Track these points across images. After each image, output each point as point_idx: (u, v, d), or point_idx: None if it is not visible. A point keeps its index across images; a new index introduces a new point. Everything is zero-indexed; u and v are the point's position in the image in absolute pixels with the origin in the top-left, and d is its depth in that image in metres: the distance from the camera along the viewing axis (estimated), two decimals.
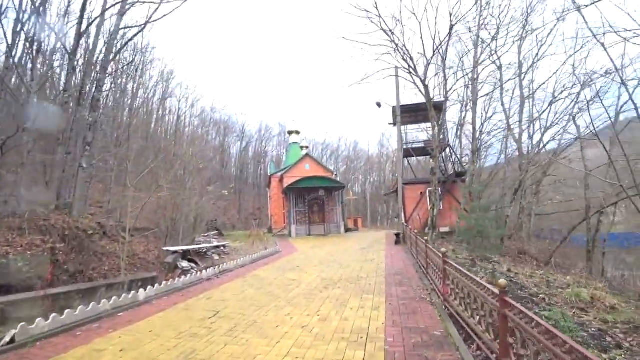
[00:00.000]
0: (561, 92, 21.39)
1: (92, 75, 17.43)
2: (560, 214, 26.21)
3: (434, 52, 16.09)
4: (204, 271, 10.27)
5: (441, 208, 19.23)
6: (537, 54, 22.75)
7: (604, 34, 10.95)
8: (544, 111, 22.78)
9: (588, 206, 16.84)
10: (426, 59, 16.13)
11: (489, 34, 20.91)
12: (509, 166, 27.13)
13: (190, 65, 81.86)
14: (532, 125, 23.64)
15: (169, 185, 18.47)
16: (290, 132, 40.88)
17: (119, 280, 9.08)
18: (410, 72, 16.23)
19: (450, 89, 18.05)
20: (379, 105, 18.64)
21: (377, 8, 15.55)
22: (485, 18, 20.15)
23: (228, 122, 63.75)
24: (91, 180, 21.97)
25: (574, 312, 5.30)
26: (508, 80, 23.65)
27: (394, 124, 25.22)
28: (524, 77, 23.58)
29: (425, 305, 5.91)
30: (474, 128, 18.62)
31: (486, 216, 10.64)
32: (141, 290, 7.15)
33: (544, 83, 23.35)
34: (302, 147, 35.70)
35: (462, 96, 23.45)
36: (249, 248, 21.15)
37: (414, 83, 16.84)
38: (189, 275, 9.37)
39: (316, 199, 26.95)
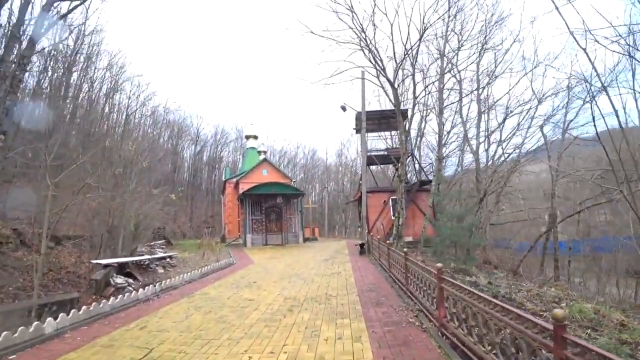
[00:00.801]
0: (515, 108, 22.07)
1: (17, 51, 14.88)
2: (509, 223, 26.94)
3: (404, 55, 15.58)
4: (141, 290, 8.58)
5: (404, 217, 18.67)
6: (494, 71, 23.33)
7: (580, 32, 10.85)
8: (500, 125, 23.41)
9: (554, 215, 17.05)
10: (396, 62, 15.61)
11: (451, 48, 21.02)
12: (465, 176, 27.55)
13: (142, 62, 77.05)
14: (487, 138, 24.14)
15: (105, 186, 16.24)
16: (247, 137, 39.14)
17: (26, 305, 7.15)
18: (379, 75, 15.60)
19: (418, 96, 17.69)
20: (343, 108, 17.81)
21: (351, 5, 14.71)
22: (449, 32, 20.21)
23: (182, 124, 60.23)
24: (12, 178, 19.00)
25: (587, 333, 4.53)
26: (467, 94, 24.03)
27: (357, 130, 24.63)
28: (482, 92, 24.08)
29: (416, 332, 4.85)
30: (439, 136, 18.36)
31: (460, 225, 9.96)
32: (50, 319, 5.46)
33: (500, 98, 24.04)
34: (259, 152, 34.09)
35: (424, 105, 23.38)
36: (199, 259, 19.28)
37: (382, 87, 16.21)
38: (120, 297, 7.66)
39: (274, 206, 25.52)
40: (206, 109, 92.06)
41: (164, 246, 24.80)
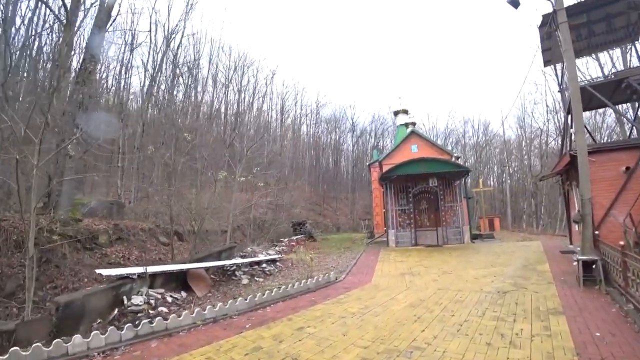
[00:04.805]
0: None
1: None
2: None
3: None
4: (77, 339, 3.88)
5: None
6: None
7: None
8: None
9: None
10: None
11: None
12: None
13: (287, 57, 78.83)
14: None
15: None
16: (396, 112, 32.69)
17: None
18: None
19: None
20: (514, 3, 9.65)
21: None
22: None
23: (337, 116, 58.93)
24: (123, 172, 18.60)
25: None
26: None
27: (547, 61, 14.97)
28: None
29: None
30: None
31: None
32: None
33: None
34: (407, 125, 27.10)
35: None
36: (321, 260, 14.73)
37: None
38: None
39: (425, 191, 18.52)
40: (358, 97, 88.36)
41: (295, 243, 21.31)
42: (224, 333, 5.32)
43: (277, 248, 18.11)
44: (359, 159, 62.48)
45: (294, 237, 23.35)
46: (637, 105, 12.81)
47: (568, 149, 11.83)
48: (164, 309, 7.59)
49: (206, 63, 36.87)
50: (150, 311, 7.31)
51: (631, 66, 18.62)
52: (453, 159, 22.03)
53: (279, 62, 77.25)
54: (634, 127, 13.50)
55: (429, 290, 7.55)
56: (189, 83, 31.14)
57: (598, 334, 4.47)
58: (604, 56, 22.94)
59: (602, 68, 24.11)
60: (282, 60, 76.90)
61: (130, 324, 5.53)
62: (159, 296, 8.14)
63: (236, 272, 11.42)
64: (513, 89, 70.16)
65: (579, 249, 8.59)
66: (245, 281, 10.90)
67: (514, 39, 74.74)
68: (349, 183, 57.19)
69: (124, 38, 23.49)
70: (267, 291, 7.44)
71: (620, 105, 14.89)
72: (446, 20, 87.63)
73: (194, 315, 6.01)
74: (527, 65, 61.54)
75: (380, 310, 6.11)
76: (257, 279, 11.26)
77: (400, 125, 30.78)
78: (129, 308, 7.22)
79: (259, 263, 12.40)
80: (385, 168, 21.31)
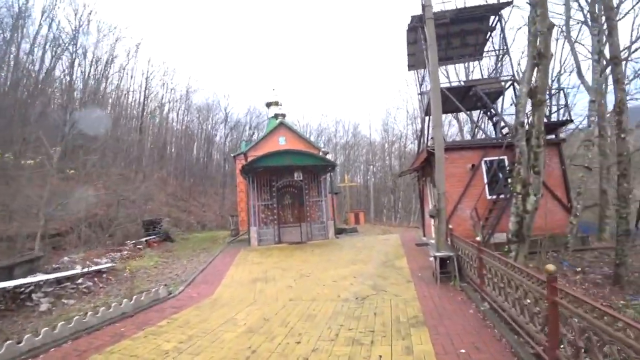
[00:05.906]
0: None
1: None
2: None
3: None
4: None
5: (493, 197, 9.74)
6: None
7: None
8: None
9: None
10: None
11: None
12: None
13: (157, 35, 70.09)
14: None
15: None
16: (269, 104, 31.10)
17: None
18: None
19: None
20: None
21: None
22: None
23: (211, 105, 54.31)
24: None
25: None
26: None
27: (411, 65, 15.72)
28: None
29: None
30: (609, 20, 8.04)
31: None
32: None
33: None
34: (276, 116, 25.97)
35: None
36: (166, 267, 12.30)
37: None
38: None
39: (290, 185, 17.54)
40: (234, 87, 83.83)
41: (145, 245, 17.91)
42: None
43: (116, 254, 14.66)
44: (232, 151, 59.12)
45: (145, 239, 19.77)
46: (479, 112, 14.17)
47: (426, 146, 12.20)
48: None
49: (39, 15, 28.80)
50: None
51: None
52: (321, 153, 21.79)
53: (145, 35, 67.41)
54: (476, 130, 15.02)
55: (279, 302, 6.20)
56: (7, 35, 23.66)
57: (463, 351, 3.69)
58: (452, 73, 25.72)
59: (450, 83, 27.26)
60: (149, 34, 67.61)
61: None
62: None
63: (33, 295, 8.23)
64: (381, 94, 76.55)
65: (432, 241, 8.46)
66: (44, 307, 7.87)
67: (383, 49, 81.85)
68: (219, 177, 53.42)
69: None
70: (46, 329, 4.96)
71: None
72: (323, 28, 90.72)
73: None
74: (392, 72, 68.10)
75: (206, 343, 4.40)
76: (67, 301, 8.31)
77: (272, 117, 29.43)
78: None
79: (72, 278, 9.31)
80: (250, 159, 19.66)
